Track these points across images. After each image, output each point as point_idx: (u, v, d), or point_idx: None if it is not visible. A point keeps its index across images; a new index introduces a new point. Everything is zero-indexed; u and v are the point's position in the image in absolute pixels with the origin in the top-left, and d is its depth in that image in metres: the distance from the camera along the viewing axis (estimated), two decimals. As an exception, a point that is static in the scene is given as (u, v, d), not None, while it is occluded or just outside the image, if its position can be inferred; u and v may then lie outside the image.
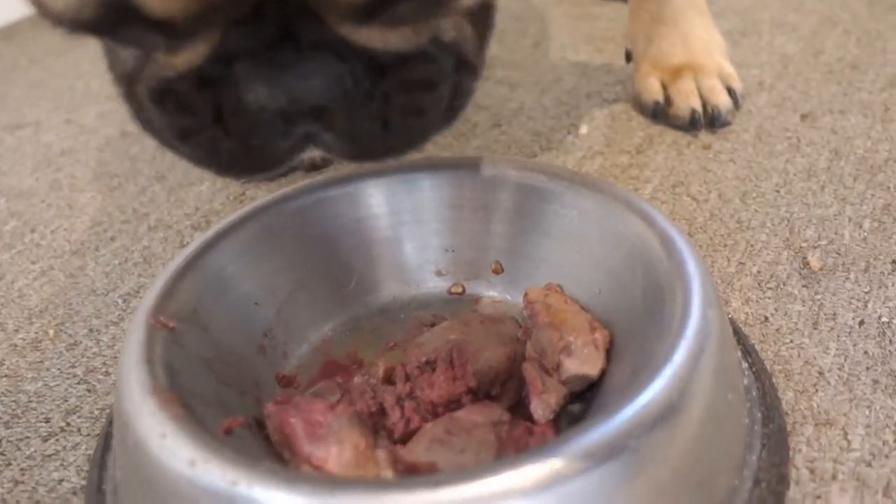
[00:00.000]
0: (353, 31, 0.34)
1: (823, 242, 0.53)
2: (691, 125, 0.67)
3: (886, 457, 0.38)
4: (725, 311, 0.41)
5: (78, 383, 0.47)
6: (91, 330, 0.52)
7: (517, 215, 0.47)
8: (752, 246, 0.53)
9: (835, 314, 0.47)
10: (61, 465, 0.42)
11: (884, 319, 0.46)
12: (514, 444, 0.36)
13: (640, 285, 0.40)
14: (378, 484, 0.30)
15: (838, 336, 0.45)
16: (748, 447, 0.37)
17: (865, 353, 0.44)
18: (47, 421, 0.45)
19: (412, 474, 0.35)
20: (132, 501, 0.36)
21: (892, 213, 0.55)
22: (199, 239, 0.44)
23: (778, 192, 0.59)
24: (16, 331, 0.52)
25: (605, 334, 0.40)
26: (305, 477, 0.30)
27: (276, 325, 0.44)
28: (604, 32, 0.89)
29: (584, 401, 0.40)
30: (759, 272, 0.51)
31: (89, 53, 0.95)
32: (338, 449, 0.36)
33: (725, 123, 0.67)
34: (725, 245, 0.54)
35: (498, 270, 0.47)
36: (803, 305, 0.48)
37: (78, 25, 0.30)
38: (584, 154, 0.66)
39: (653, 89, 0.69)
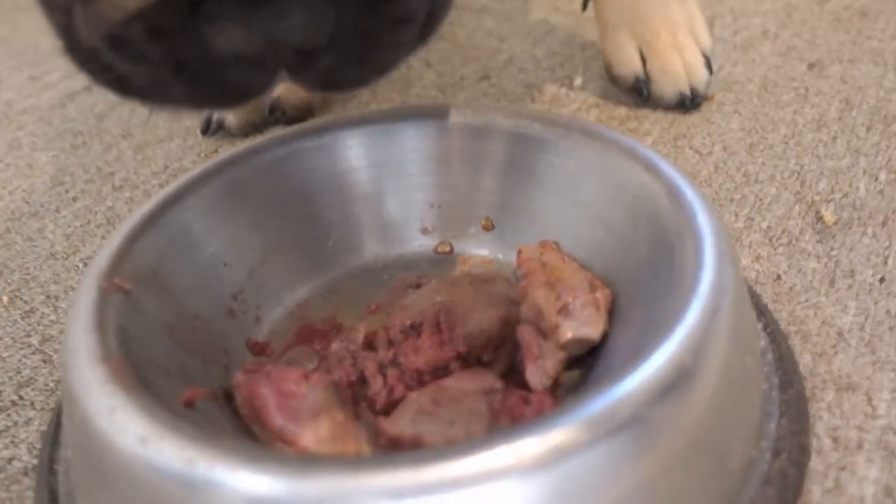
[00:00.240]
0: None
1: (837, 196, 0.49)
2: (678, 106, 0.60)
3: (915, 424, 0.35)
4: (740, 267, 0.38)
5: (33, 353, 0.44)
6: (48, 296, 0.48)
7: (509, 167, 0.43)
8: (760, 200, 0.50)
9: (852, 271, 0.44)
10: (12, 442, 0.38)
11: (905, 276, 0.43)
12: (508, 415, 0.32)
13: (645, 240, 0.37)
14: (356, 463, 0.26)
15: (857, 294, 0.42)
16: (766, 415, 0.34)
17: (888, 311, 0.41)
18: (-1, 394, 0.41)
19: (395, 449, 0.32)
20: (82, 484, 0.32)
21: (908, 164, 0.52)
22: (162, 194, 0.40)
23: (786, 143, 0.55)
24: (-32, 298, 0.48)
25: (607, 293, 0.37)
26: (273, 455, 0.27)
27: (247, 287, 0.41)
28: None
29: (584, 366, 0.36)
30: (769, 227, 0.48)
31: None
32: (313, 423, 0.32)
33: (704, 99, 0.60)
34: (732, 199, 0.50)
35: (488, 227, 0.44)
36: (818, 262, 0.44)
37: None
38: (579, 106, 0.62)
39: (631, 61, 0.61)
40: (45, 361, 0.43)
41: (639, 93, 0.60)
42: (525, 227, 0.42)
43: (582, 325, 0.36)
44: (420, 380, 0.35)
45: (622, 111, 0.61)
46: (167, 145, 0.62)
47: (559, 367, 0.35)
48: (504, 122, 0.43)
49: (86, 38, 0.31)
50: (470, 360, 0.35)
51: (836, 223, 0.47)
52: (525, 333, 0.36)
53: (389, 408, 0.34)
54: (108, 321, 0.33)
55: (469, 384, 0.34)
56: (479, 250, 0.44)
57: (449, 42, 0.74)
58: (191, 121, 0.64)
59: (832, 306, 0.41)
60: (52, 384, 0.42)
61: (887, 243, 0.45)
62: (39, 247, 0.52)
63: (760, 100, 0.61)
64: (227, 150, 0.58)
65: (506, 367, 0.36)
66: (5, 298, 0.48)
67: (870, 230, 0.46)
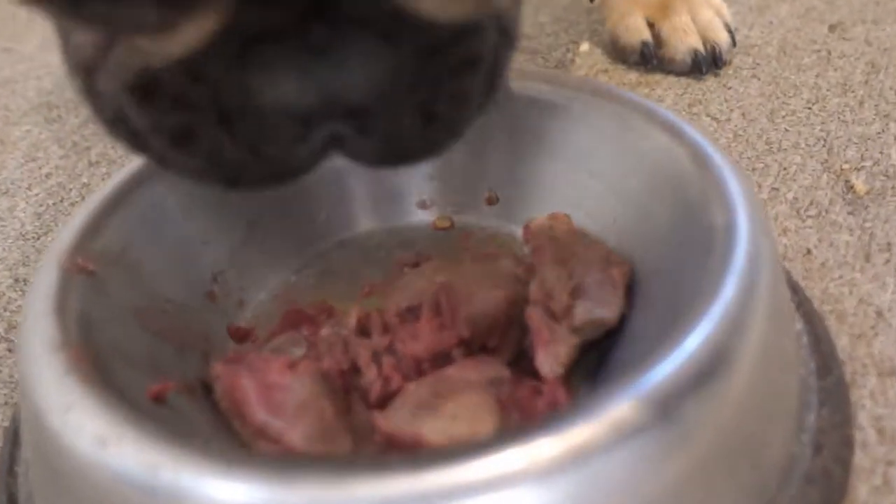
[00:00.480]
0: None
1: (868, 163, 0.46)
2: (694, 68, 0.56)
3: (967, 412, 0.31)
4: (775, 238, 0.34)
5: (-2, 342, 0.40)
6: (17, 280, 0.44)
7: (515, 133, 0.39)
8: (785, 169, 0.46)
9: (889, 244, 0.40)
10: (-29, 439, 0.35)
11: (947, 249, 0.39)
12: (517, 408, 0.29)
13: (667, 210, 0.33)
14: (346, 467, 0.23)
15: (896, 269, 0.38)
16: (805, 405, 0.30)
17: (931, 288, 0.37)
18: (-40, 387, 0.38)
19: (392, 447, 0.28)
20: (39, 487, 0.29)
21: (943, 129, 0.48)
22: (134, 165, 0.36)
23: (810, 108, 0.51)
24: (-69, 282, 0.45)
25: (625, 270, 0.33)
26: (249, 458, 0.23)
27: (229, 267, 0.37)
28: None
29: (600, 351, 0.33)
30: (795, 198, 0.44)
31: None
32: (299, 418, 0.29)
33: (725, 63, 0.56)
34: (754, 169, 0.47)
35: (493, 200, 0.40)
36: (851, 235, 0.41)
37: None
38: (587, 73, 0.58)
39: (637, 27, 0.57)
40: (10, 350, 0.40)
41: (647, 60, 0.56)
42: (533, 199, 0.39)
43: (597, 306, 0.32)
44: (419, 369, 0.31)
45: (633, 77, 0.57)
46: (148, 118, 0.58)
47: (572, 352, 0.31)
48: (509, 85, 0.39)
49: (111, 97, 0.26)
50: (474, 346, 0.32)
51: (867, 193, 0.44)
52: (534, 316, 0.32)
53: (385, 400, 0.30)
54: (69, 305, 0.29)
55: (473, 373, 0.30)
56: (483, 225, 0.40)
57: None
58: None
59: (869, 283, 0.38)
60: (17, 376, 0.38)
61: (926, 214, 0.41)
62: (9, 226, 0.48)
63: (780, 63, 0.57)
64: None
65: (513, 353, 0.32)
66: (-30, 282, 0.44)
67: (906, 200, 0.43)
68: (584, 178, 0.37)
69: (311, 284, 0.38)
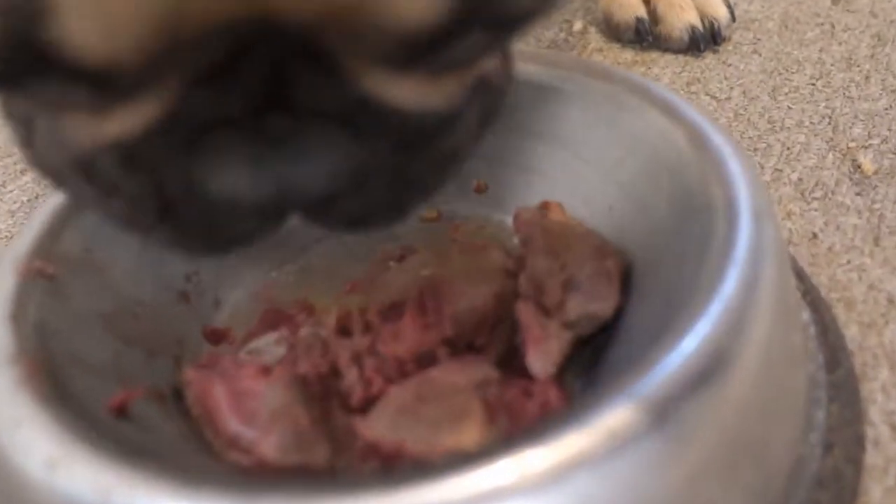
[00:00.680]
0: (382, 84, 0.22)
1: (875, 141, 0.44)
2: (692, 45, 0.54)
3: None
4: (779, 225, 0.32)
5: (-34, 348, 0.38)
6: (-13, 281, 0.42)
7: (505, 117, 0.37)
8: (788, 149, 0.44)
9: (900, 226, 0.38)
10: (-65, 453, 0.33)
11: (961, 231, 0.37)
12: (507, 412, 0.27)
13: (665, 197, 0.31)
14: (313, 486, 0.21)
15: (908, 253, 0.37)
16: (814, 402, 0.29)
17: (945, 272, 0.35)
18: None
19: (373, 456, 0.26)
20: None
21: (953, 104, 0.46)
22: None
23: (814, 85, 0.49)
24: None
25: (620, 261, 0.31)
26: (207, 480, 0.21)
27: (203, 265, 0.35)
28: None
29: (594, 347, 0.31)
30: (800, 179, 0.42)
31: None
32: (273, 427, 0.27)
33: (724, 39, 0.54)
34: (756, 149, 0.45)
35: (482, 188, 0.38)
36: (859, 217, 0.39)
37: None
38: (580, 52, 0.56)
39: (632, 3, 0.56)
40: (-21, 356, 0.38)
41: (643, 38, 0.54)
42: (523, 187, 0.37)
43: (591, 300, 0.30)
44: (402, 371, 0.29)
45: (628, 55, 0.55)
46: (126, 109, 0.56)
47: (565, 350, 0.30)
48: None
49: (50, 159, 0.24)
50: (460, 345, 0.30)
51: (875, 172, 0.42)
52: (524, 311, 0.30)
53: (366, 405, 0.29)
54: (26, 314, 0.27)
55: (459, 375, 0.28)
56: (472, 214, 0.38)
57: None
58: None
59: (879, 268, 0.36)
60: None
61: (938, 193, 0.40)
62: (-19, 225, 0.47)
63: (781, 38, 0.55)
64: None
65: (502, 352, 0.30)
66: (-61, 285, 0.42)
67: (916, 179, 0.41)
68: (578, 163, 0.35)
69: (291, 281, 0.36)
